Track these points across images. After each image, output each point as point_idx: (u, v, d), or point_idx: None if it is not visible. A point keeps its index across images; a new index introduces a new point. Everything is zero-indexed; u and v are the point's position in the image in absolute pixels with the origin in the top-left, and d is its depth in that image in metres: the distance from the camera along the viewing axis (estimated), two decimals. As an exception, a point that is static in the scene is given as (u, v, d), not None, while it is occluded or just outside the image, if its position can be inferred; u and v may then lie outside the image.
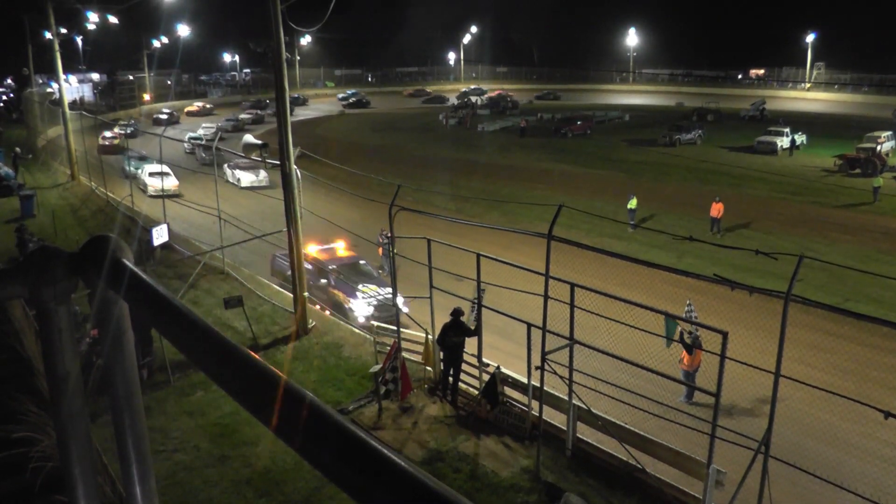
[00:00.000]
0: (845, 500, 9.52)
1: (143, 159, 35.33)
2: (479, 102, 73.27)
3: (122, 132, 43.83)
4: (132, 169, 33.16)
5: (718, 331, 9.11)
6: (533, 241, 17.08)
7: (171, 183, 30.41)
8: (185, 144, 40.08)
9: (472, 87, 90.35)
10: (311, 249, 19.24)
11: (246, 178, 34.50)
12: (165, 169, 28.96)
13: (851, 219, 28.25)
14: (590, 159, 43.81)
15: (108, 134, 44.96)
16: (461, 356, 13.32)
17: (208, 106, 75.92)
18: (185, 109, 73.48)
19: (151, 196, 30.02)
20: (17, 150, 38.86)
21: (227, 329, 16.54)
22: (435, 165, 41.92)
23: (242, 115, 64.57)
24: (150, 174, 32.11)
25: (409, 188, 23.61)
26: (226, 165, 34.99)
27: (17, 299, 1.96)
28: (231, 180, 34.39)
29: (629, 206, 26.74)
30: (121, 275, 1.54)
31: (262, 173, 35.02)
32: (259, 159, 34.43)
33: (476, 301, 13.02)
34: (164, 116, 62.87)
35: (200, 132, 49.03)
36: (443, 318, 13.53)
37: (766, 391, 11.26)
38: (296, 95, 79.15)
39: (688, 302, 14.59)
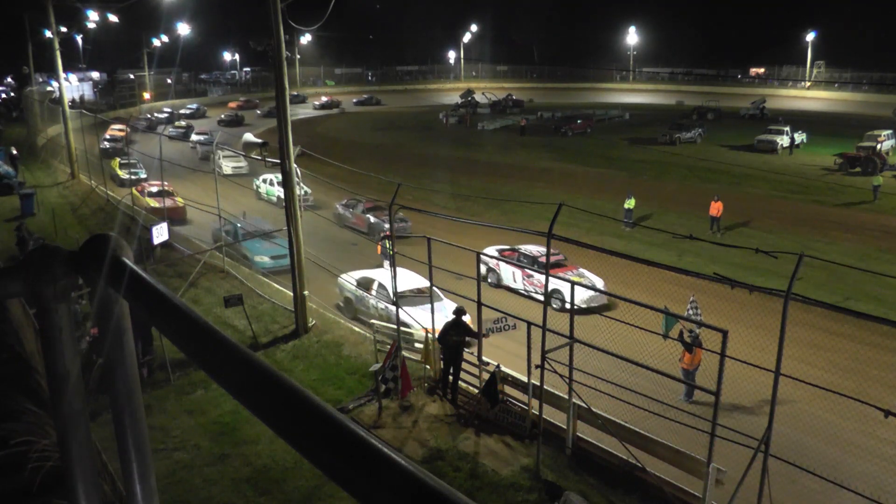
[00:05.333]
0: (845, 498, 9.53)
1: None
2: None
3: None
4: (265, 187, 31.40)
5: (718, 329, 9.12)
6: (533, 240, 17.08)
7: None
8: (193, 139, 40.23)
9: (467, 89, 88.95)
10: None
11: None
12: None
13: (851, 217, 28.25)
14: (590, 158, 43.79)
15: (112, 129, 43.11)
16: (461, 355, 13.33)
17: (256, 100, 74.85)
18: (230, 104, 72.79)
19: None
20: (13, 149, 38.72)
21: (227, 327, 16.54)
22: (435, 164, 41.89)
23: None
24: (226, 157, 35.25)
25: (410, 187, 23.62)
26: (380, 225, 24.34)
27: (17, 298, 1.96)
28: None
29: (626, 206, 26.74)
30: (121, 273, 1.54)
31: None
32: (259, 157, 34.18)
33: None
34: (189, 111, 64.03)
35: (195, 137, 43.74)
36: (443, 317, 13.54)
37: (766, 390, 11.27)
38: (294, 93, 78.38)
39: (691, 298, 14.60)
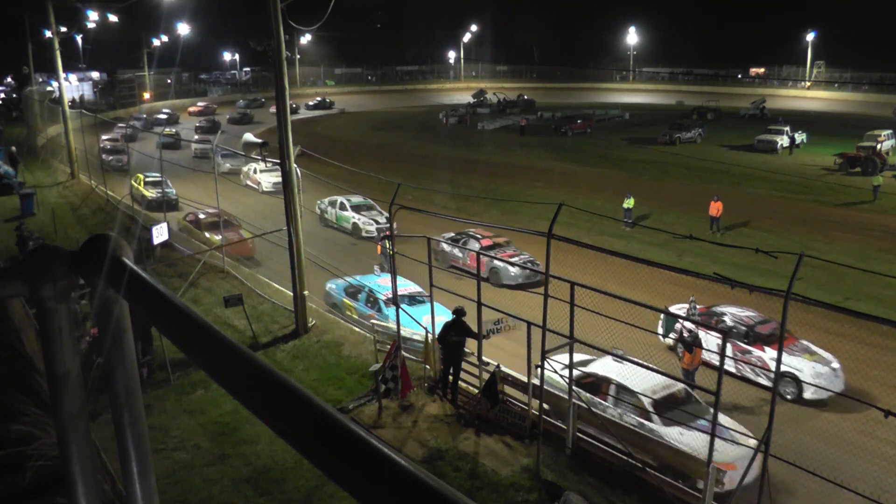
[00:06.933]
0: (845, 498, 9.53)
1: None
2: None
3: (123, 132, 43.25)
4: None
5: (719, 329, 9.12)
6: (533, 240, 17.07)
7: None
8: (193, 147, 38.77)
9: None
10: None
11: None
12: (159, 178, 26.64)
13: (851, 217, 28.24)
14: (590, 158, 43.80)
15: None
16: (461, 355, 13.32)
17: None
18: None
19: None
20: (14, 149, 38.72)
21: (227, 328, 16.54)
22: (435, 164, 41.91)
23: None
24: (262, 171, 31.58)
25: (409, 187, 23.59)
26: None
27: (18, 298, 1.95)
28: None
29: (625, 206, 26.73)
30: (121, 273, 1.54)
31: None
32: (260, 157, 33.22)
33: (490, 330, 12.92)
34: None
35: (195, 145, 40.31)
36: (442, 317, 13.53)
37: (765, 390, 11.26)
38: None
39: (691, 298, 14.61)
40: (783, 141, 44.24)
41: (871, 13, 75.83)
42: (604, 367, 12.19)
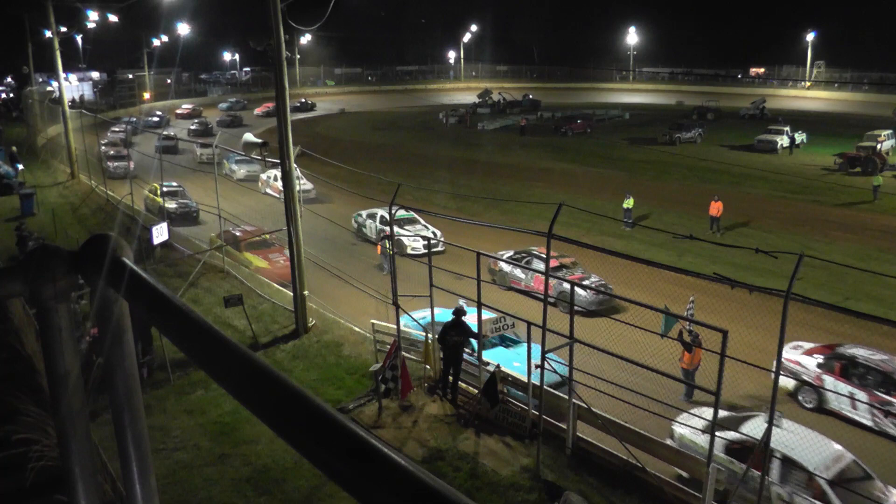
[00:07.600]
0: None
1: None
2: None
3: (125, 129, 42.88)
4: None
5: (718, 329, 9.12)
6: (533, 240, 17.05)
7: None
8: (198, 152, 37.71)
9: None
10: None
11: None
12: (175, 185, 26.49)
13: (851, 217, 28.25)
14: (590, 158, 43.80)
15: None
16: (461, 355, 13.32)
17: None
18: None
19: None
20: (14, 149, 38.67)
21: (227, 328, 16.54)
22: (435, 164, 41.91)
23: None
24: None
25: (410, 187, 23.55)
26: None
27: (18, 297, 1.95)
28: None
29: (625, 206, 26.72)
30: (121, 273, 1.54)
31: None
32: (260, 157, 32.35)
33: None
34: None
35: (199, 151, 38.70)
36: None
37: (766, 390, 11.26)
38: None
39: (691, 298, 14.61)
40: (783, 141, 44.25)
41: (871, 13, 75.81)
42: (756, 429, 10.22)
